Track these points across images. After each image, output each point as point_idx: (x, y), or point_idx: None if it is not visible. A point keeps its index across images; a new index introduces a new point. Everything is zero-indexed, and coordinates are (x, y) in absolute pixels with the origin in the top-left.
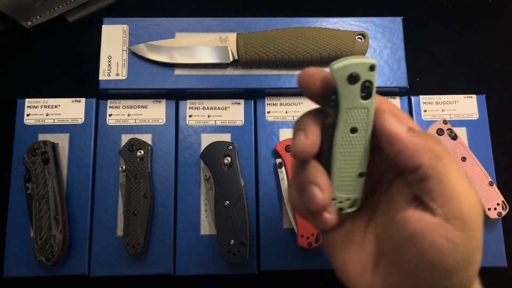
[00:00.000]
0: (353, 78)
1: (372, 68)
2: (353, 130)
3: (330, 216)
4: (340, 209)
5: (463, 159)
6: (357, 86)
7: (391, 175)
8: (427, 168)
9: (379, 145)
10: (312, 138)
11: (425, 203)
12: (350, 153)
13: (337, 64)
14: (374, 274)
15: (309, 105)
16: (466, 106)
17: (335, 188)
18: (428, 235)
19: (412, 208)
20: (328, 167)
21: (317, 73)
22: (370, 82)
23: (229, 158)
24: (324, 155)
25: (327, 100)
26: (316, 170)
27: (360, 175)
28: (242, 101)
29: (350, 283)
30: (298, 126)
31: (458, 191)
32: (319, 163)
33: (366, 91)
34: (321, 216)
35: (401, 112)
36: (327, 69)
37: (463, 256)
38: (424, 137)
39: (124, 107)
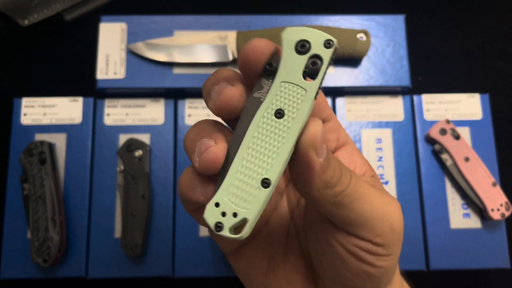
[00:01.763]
0: (301, 46)
1: (328, 44)
2: (279, 113)
3: (212, 189)
4: (218, 227)
5: (466, 159)
6: (304, 58)
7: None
8: (351, 189)
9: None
10: (240, 88)
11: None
12: (264, 145)
13: (292, 27)
14: None
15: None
16: (469, 105)
17: (225, 187)
18: (356, 265)
19: (341, 242)
20: (230, 156)
21: (268, 45)
22: (321, 60)
23: None
24: (233, 139)
25: (264, 67)
26: (216, 128)
27: (264, 183)
28: None
29: None
30: (219, 76)
31: (374, 214)
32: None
33: (312, 69)
34: (206, 184)
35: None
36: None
37: (386, 277)
38: (339, 169)
39: (122, 106)
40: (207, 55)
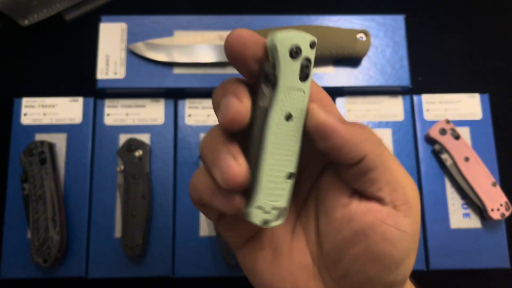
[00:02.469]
0: (295, 53)
1: (313, 45)
2: (288, 117)
3: (240, 200)
4: (266, 222)
5: (466, 159)
6: (298, 62)
7: (313, 172)
8: (372, 158)
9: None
10: (246, 103)
11: (369, 195)
12: (282, 146)
13: (280, 34)
14: (311, 285)
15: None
16: (469, 105)
17: (262, 192)
18: (378, 227)
19: (356, 202)
20: (254, 162)
21: (253, 36)
22: (309, 61)
23: None
24: (251, 148)
25: (262, 76)
26: (230, 140)
27: (289, 176)
28: None
29: None
30: (227, 89)
31: (400, 176)
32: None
33: (305, 71)
34: (231, 197)
35: (327, 99)
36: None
37: (409, 245)
38: (359, 127)
39: (122, 106)
40: (207, 55)
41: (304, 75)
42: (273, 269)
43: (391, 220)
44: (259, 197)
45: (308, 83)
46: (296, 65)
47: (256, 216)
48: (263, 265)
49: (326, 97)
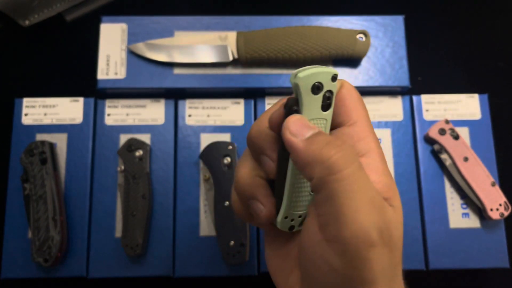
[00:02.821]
0: (317, 88)
1: (334, 78)
2: None
3: (270, 229)
4: (291, 227)
5: (465, 159)
6: (320, 96)
7: None
8: (316, 181)
9: None
10: (268, 206)
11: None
12: None
13: (303, 73)
14: (291, 282)
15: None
16: (468, 105)
17: (288, 206)
18: (310, 252)
19: (311, 229)
20: (281, 183)
21: (259, 135)
22: (331, 93)
23: (229, 159)
24: (279, 170)
25: (287, 110)
26: (259, 186)
27: (312, 193)
28: (242, 101)
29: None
30: (249, 195)
31: (344, 211)
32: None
33: (327, 102)
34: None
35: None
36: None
37: (341, 283)
38: (321, 146)
39: (122, 106)
40: (207, 55)
41: (326, 106)
42: (275, 262)
43: (319, 251)
44: (286, 209)
45: (330, 111)
46: (318, 99)
47: (283, 224)
48: (272, 258)
49: (356, 111)
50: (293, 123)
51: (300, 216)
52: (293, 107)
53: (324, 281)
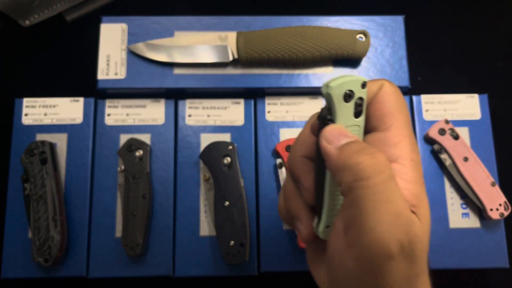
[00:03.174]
0: (348, 96)
1: (364, 85)
2: None
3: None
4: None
5: (465, 159)
6: (351, 103)
7: None
8: (344, 186)
9: None
10: (308, 228)
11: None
12: None
13: (334, 82)
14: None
15: (308, 105)
16: (468, 105)
17: (329, 216)
18: (332, 252)
19: (337, 231)
20: (321, 194)
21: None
22: (362, 99)
23: (228, 158)
24: (317, 180)
25: (321, 120)
26: (300, 208)
27: None
28: (242, 101)
29: None
30: (292, 214)
31: (365, 219)
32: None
33: (359, 109)
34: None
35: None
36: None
37: (357, 287)
38: (352, 153)
39: (122, 106)
40: (207, 56)
41: (357, 112)
42: (315, 267)
43: (343, 255)
44: (326, 219)
45: (362, 118)
46: (350, 106)
47: (325, 233)
48: (312, 261)
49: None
50: (329, 132)
51: None
52: (326, 116)
53: (343, 283)
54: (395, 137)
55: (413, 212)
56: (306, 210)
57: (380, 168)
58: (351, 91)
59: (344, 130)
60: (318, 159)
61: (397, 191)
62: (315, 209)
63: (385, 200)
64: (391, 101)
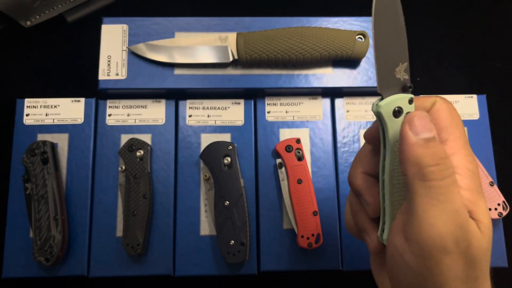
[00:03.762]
0: (398, 112)
1: (411, 101)
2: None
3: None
4: None
5: None
6: (400, 119)
7: None
8: (407, 180)
9: None
10: (374, 242)
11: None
12: (401, 185)
13: (383, 102)
14: None
15: (308, 105)
16: (466, 106)
17: (390, 220)
18: (392, 247)
19: (397, 229)
20: (381, 202)
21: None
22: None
23: (229, 158)
24: (381, 189)
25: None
26: (366, 222)
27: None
28: (242, 101)
29: None
30: (358, 227)
31: (426, 214)
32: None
33: None
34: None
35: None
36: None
37: (416, 282)
38: (426, 153)
39: (123, 107)
40: (208, 56)
41: None
42: (378, 273)
43: (402, 250)
44: (389, 226)
45: None
46: (399, 122)
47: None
48: (375, 269)
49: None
50: (418, 118)
51: None
52: (380, 133)
53: (402, 278)
54: (451, 149)
55: (471, 217)
56: (371, 224)
57: (446, 173)
58: (399, 107)
59: (430, 122)
60: (381, 163)
61: (458, 195)
62: (379, 220)
63: (446, 200)
64: (446, 118)
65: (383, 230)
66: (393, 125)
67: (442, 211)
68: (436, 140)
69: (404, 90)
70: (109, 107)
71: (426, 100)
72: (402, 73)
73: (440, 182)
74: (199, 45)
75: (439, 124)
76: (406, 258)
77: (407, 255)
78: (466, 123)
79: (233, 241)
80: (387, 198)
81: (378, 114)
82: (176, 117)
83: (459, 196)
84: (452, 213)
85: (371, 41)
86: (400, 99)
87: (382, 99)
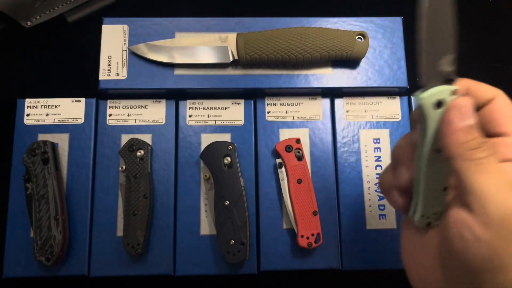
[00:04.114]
0: (438, 104)
1: (454, 92)
2: (438, 150)
3: (400, 203)
4: (428, 224)
5: None
6: (441, 110)
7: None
8: (455, 163)
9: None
10: (400, 202)
11: (461, 199)
12: (436, 172)
13: (426, 93)
14: (436, 276)
15: (308, 105)
16: None
17: (424, 206)
18: (456, 226)
19: (456, 206)
20: (418, 182)
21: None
22: None
23: (229, 158)
24: (416, 171)
25: (417, 124)
26: (401, 178)
27: (445, 189)
28: (242, 101)
29: (416, 282)
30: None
31: (484, 188)
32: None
33: None
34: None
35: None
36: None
37: (487, 254)
38: (467, 139)
39: (124, 107)
40: (208, 56)
41: None
42: (414, 256)
43: (467, 222)
44: (421, 208)
45: None
46: (440, 113)
47: (421, 222)
48: (408, 250)
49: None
50: (464, 105)
51: (435, 214)
52: (422, 121)
53: (471, 255)
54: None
55: None
56: (399, 191)
57: (490, 152)
58: (441, 100)
59: (472, 109)
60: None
61: (503, 169)
62: (411, 197)
63: (499, 172)
64: (506, 111)
65: (414, 212)
66: (433, 117)
67: (503, 186)
68: (476, 130)
69: (447, 82)
70: (110, 107)
71: (486, 90)
72: (446, 65)
73: (486, 159)
74: (199, 45)
75: (499, 119)
76: (477, 231)
77: (477, 227)
78: None
79: (233, 241)
80: (422, 182)
81: (419, 105)
82: (176, 117)
83: (505, 170)
84: (508, 184)
85: (370, 42)
86: (442, 92)
87: (424, 90)
